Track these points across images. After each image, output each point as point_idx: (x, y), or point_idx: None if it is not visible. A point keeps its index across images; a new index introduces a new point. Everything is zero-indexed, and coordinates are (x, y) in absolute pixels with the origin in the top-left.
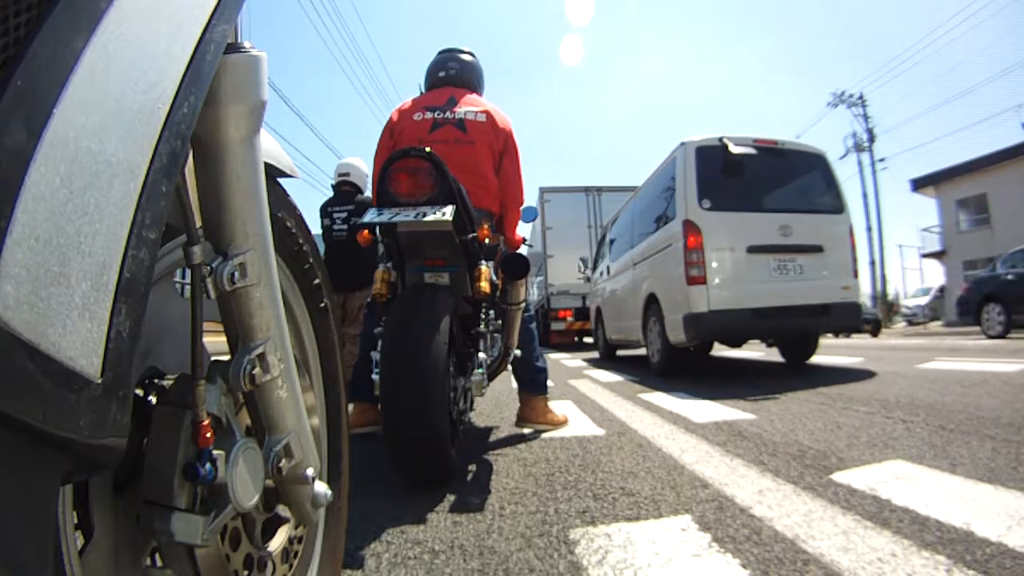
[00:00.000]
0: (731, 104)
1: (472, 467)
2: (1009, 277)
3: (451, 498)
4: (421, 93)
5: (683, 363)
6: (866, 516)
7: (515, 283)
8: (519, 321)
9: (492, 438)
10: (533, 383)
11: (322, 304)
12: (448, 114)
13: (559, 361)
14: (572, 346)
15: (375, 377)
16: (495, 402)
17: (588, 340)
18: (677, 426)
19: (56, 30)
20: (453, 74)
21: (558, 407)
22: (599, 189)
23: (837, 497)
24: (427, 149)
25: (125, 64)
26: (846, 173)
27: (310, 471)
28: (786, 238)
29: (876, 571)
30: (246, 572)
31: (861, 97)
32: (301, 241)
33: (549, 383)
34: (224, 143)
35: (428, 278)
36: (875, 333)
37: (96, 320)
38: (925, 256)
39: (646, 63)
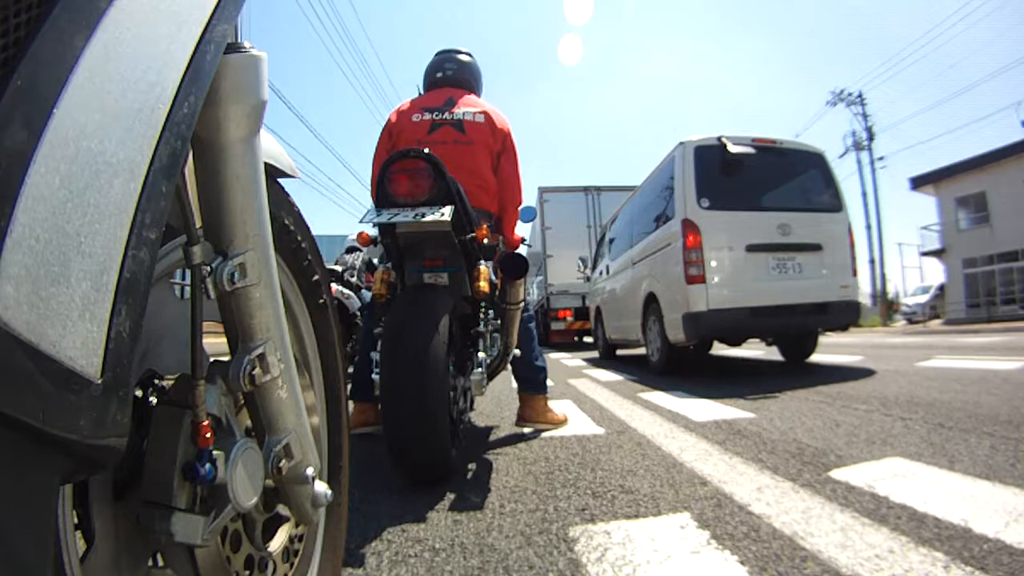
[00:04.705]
0: (730, 103)
1: (472, 466)
2: None
3: (451, 497)
4: (419, 94)
5: (682, 362)
6: (864, 513)
7: (514, 283)
8: (518, 321)
9: (492, 437)
10: (533, 382)
11: (321, 301)
12: (447, 115)
13: (559, 360)
14: (572, 345)
15: (375, 377)
16: (495, 401)
17: (588, 339)
18: (676, 425)
19: (56, 30)
20: (451, 75)
21: (558, 406)
22: (598, 189)
23: (835, 494)
24: (426, 150)
25: (125, 64)
26: (845, 171)
27: (310, 471)
28: (785, 237)
29: (874, 567)
30: (247, 572)
31: (860, 95)
32: (300, 238)
33: (549, 382)
34: (224, 143)
35: (427, 278)
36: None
37: (96, 320)
38: (924, 254)
39: (645, 62)
